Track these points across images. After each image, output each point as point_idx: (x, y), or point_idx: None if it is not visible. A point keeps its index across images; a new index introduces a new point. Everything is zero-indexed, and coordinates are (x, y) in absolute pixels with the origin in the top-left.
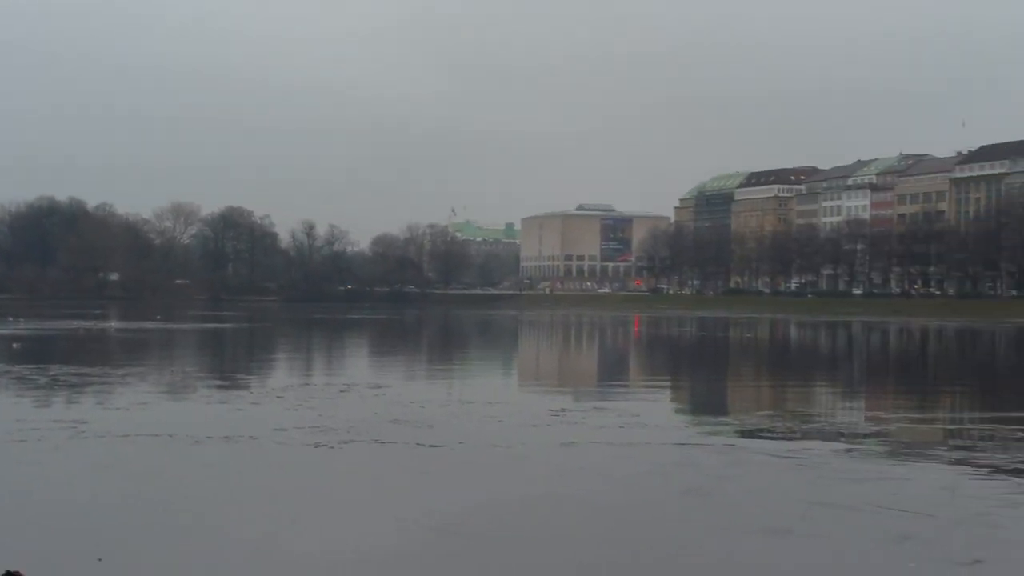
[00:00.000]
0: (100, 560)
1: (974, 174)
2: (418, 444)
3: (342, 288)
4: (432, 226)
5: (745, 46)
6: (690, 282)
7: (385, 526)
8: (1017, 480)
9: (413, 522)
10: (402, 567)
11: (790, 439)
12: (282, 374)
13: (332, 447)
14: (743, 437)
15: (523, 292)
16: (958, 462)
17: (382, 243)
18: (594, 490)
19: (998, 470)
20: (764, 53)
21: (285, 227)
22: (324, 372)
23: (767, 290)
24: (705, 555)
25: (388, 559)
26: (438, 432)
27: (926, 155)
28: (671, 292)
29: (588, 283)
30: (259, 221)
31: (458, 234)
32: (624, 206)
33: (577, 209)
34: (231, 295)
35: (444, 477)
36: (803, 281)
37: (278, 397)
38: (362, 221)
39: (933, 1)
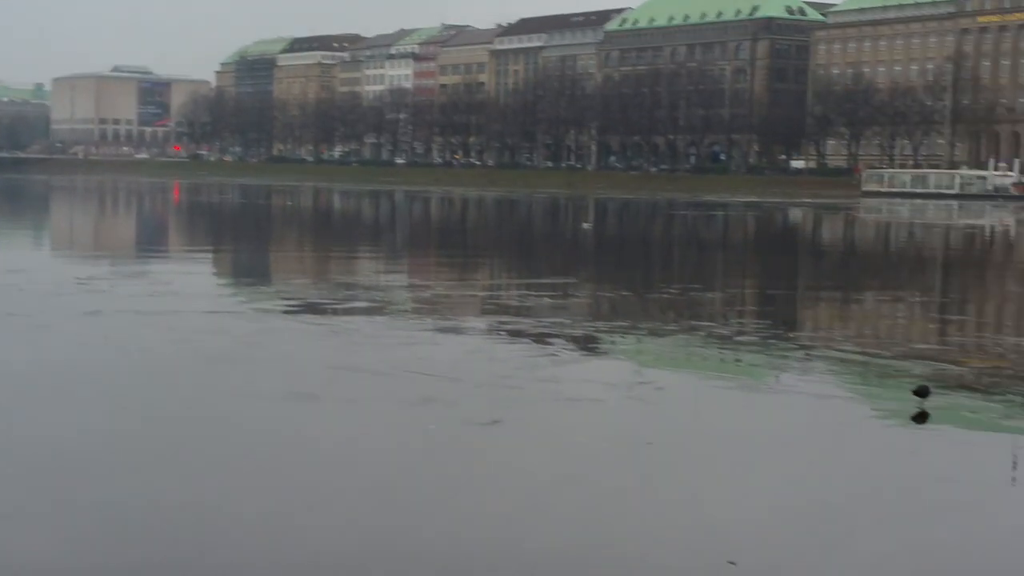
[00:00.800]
0: None
1: (512, 47)
2: None
3: None
4: None
5: None
6: (231, 149)
7: None
8: (539, 345)
9: None
10: None
11: (326, 307)
12: None
13: None
14: (277, 304)
15: (54, 157)
16: (488, 328)
17: None
18: (114, 359)
19: (523, 335)
20: None
21: None
22: None
23: (310, 158)
24: (224, 419)
25: None
26: None
27: (468, 26)
28: (212, 159)
29: (125, 148)
30: None
31: None
32: (163, 70)
33: (112, 71)
34: None
35: None
36: (347, 150)
37: None
38: None
39: None
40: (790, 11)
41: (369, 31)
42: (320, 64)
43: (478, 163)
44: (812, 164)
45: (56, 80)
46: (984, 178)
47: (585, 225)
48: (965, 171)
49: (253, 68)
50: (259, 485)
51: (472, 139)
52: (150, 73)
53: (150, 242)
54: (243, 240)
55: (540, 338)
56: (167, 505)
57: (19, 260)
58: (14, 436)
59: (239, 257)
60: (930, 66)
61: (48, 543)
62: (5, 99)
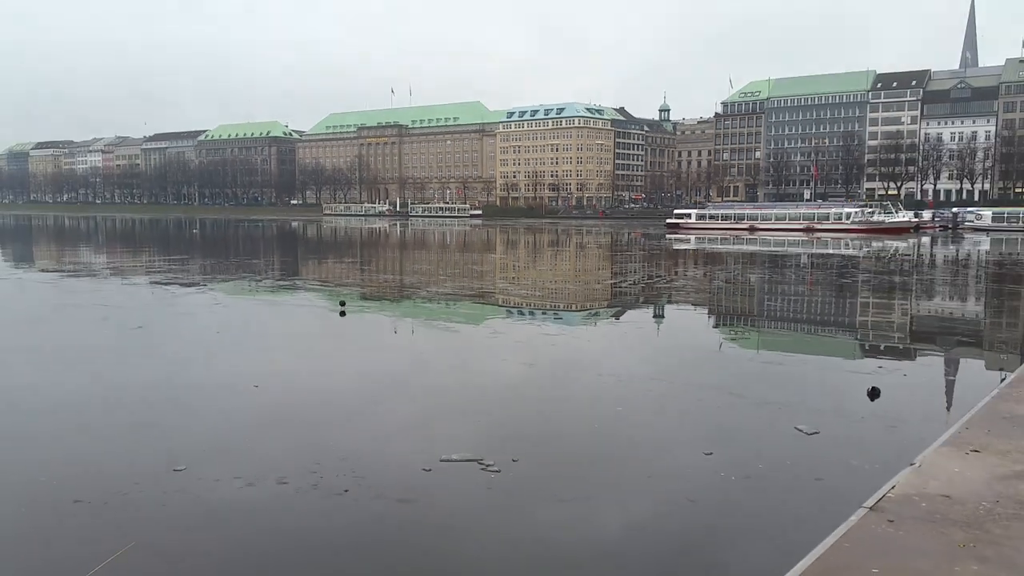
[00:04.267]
0: None
1: (153, 146)
2: None
3: None
4: None
5: None
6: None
7: None
8: (164, 286)
9: None
10: None
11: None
12: None
13: None
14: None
15: None
16: (127, 281)
17: None
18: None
19: (157, 283)
20: None
21: None
22: None
23: (50, 200)
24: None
25: None
26: None
27: (129, 136)
28: None
29: None
30: None
31: None
32: None
33: None
34: None
35: None
36: (72, 196)
37: None
38: None
39: None
40: (285, 133)
41: (76, 136)
42: (52, 155)
43: (138, 203)
44: (298, 202)
45: None
46: None
47: (194, 230)
48: None
49: (16, 157)
50: None
51: (134, 191)
52: None
53: None
54: None
55: (171, 281)
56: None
57: None
58: None
59: None
60: None
61: None
62: None
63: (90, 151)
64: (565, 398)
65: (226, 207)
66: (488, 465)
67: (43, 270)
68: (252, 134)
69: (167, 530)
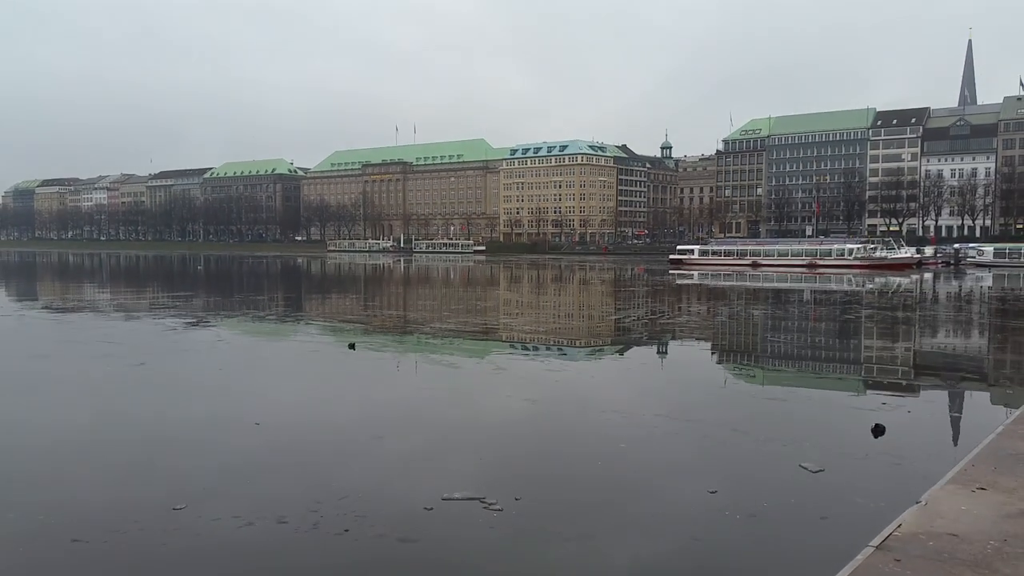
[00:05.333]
0: None
1: (158, 184)
2: None
3: None
4: None
5: None
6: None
7: None
8: (170, 320)
9: None
10: None
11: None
12: None
13: None
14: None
15: None
16: (141, 316)
17: None
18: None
19: (169, 317)
20: None
21: None
22: None
23: (54, 237)
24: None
25: None
26: None
27: (134, 174)
28: None
29: None
30: None
31: None
32: None
33: None
34: None
35: None
36: (77, 233)
37: None
38: None
39: None
40: (290, 170)
41: (83, 174)
42: (58, 192)
43: (143, 240)
44: (303, 238)
45: None
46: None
47: (199, 267)
48: None
49: (21, 194)
50: None
51: (139, 228)
52: None
53: None
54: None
55: (175, 316)
56: None
57: None
58: None
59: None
60: None
61: None
62: None
63: (95, 188)
64: (568, 435)
65: (231, 244)
66: (490, 504)
67: (46, 307)
68: (257, 171)
69: (165, 571)
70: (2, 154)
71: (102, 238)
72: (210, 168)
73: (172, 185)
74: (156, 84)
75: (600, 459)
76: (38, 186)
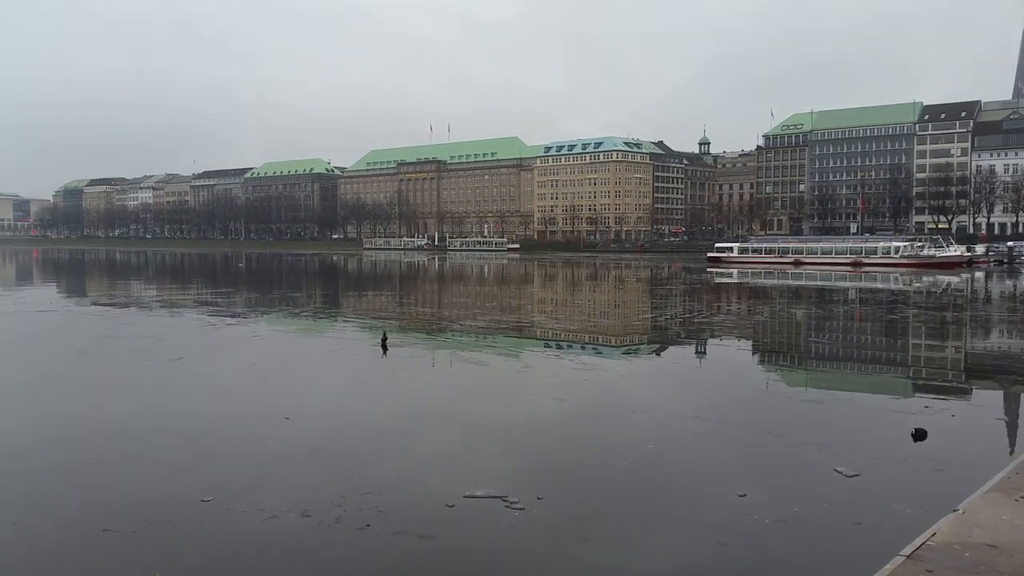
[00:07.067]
0: None
1: (200, 183)
2: None
3: None
4: None
5: None
6: (65, 235)
7: None
8: (216, 316)
9: None
10: None
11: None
12: None
13: None
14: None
15: None
16: (188, 308)
17: None
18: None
19: (209, 312)
20: None
21: None
22: None
23: (101, 235)
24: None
25: None
26: None
27: (177, 174)
28: (52, 238)
29: (8, 233)
30: None
31: None
32: (25, 193)
33: None
34: None
35: None
36: (124, 231)
37: None
38: None
39: None
40: (327, 170)
41: (129, 174)
42: (105, 192)
43: (186, 238)
44: (339, 236)
45: None
46: None
47: (240, 264)
48: None
49: (71, 194)
50: None
51: (183, 226)
52: (17, 196)
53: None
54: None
55: (215, 313)
56: None
57: None
58: None
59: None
60: None
61: None
62: None
63: (141, 188)
64: (595, 435)
65: (270, 242)
66: (512, 503)
67: (94, 303)
68: (296, 171)
69: (191, 562)
70: (52, 155)
71: (148, 236)
72: (251, 168)
73: (215, 185)
74: (199, 87)
75: (626, 460)
76: (86, 186)
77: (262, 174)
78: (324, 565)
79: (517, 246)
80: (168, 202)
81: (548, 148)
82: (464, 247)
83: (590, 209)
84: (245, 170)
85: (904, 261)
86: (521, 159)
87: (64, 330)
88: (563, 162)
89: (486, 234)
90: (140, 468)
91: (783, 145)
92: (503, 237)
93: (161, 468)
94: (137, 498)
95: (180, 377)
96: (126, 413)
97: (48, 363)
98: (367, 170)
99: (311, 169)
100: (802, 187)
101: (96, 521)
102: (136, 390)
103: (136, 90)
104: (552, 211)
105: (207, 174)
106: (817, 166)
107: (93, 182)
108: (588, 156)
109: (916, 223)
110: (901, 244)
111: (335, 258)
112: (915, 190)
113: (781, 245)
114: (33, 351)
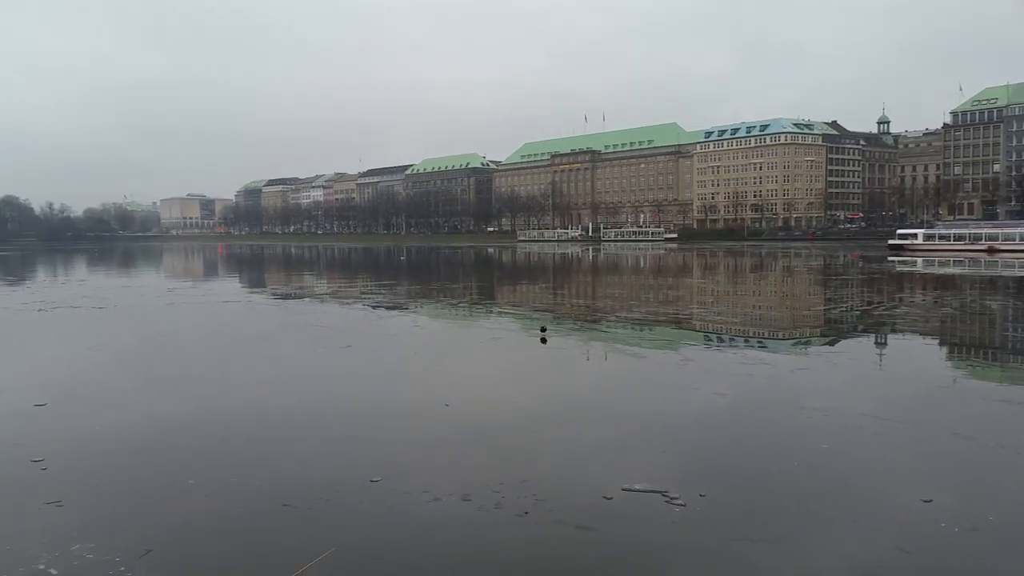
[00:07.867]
0: None
1: (366, 181)
2: None
3: (68, 234)
4: (115, 204)
5: None
6: (245, 230)
7: None
8: (373, 309)
9: None
10: None
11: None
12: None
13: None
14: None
15: (162, 234)
16: (353, 301)
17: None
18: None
19: (368, 304)
20: None
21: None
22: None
23: (279, 231)
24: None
25: None
26: None
27: (345, 172)
28: (236, 234)
29: (195, 231)
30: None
31: (127, 207)
32: (211, 194)
33: (187, 196)
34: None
35: None
36: (298, 227)
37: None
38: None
39: None
40: (482, 164)
41: (301, 174)
42: (281, 191)
43: (353, 232)
44: (494, 229)
45: (162, 200)
46: None
47: (401, 257)
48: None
49: (251, 193)
50: None
51: (350, 222)
52: (204, 196)
53: (210, 271)
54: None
55: (379, 304)
56: None
57: (138, 278)
58: None
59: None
60: None
61: None
62: (139, 209)
63: (312, 187)
64: (762, 432)
65: (429, 235)
66: (673, 498)
67: (273, 294)
68: (452, 166)
69: (362, 538)
70: (235, 157)
71: (319, 232)
72: (411, 165)
73: (378, 182)
74: (364, 89)
75: (797, 459)
76: (264, 185)
77: (421, 170)
78: (487, 548)
79: (675, 235)
80: (336, 199)
81: (709, 133)
82: (619, 237)
83: (755, 195)
84: (405, 167)
85: None
86: (679, 146)
87: (246, 319)
88: (726, 147)
89: (642, 224)
90: (315, 448)
91: (974, 122)
92: (660, 227)
93: (334, 449)
94: (314, 476)
95: (349, 364)
96: (300, 398)
97: (232, 349)
98: (521, 163)
99: (467, 164)
100: (996, 167)
101: (278, 496)
102: (309, 376)
103: (310, 96)
104: (713, 198)
105: (371, 172)
106: (1014, 144)
107: (270, 182)
108: (753, 140)
109: None
110: None
111: (490, 250)
112: None
113: (973, 231)
114: (223, 338)
